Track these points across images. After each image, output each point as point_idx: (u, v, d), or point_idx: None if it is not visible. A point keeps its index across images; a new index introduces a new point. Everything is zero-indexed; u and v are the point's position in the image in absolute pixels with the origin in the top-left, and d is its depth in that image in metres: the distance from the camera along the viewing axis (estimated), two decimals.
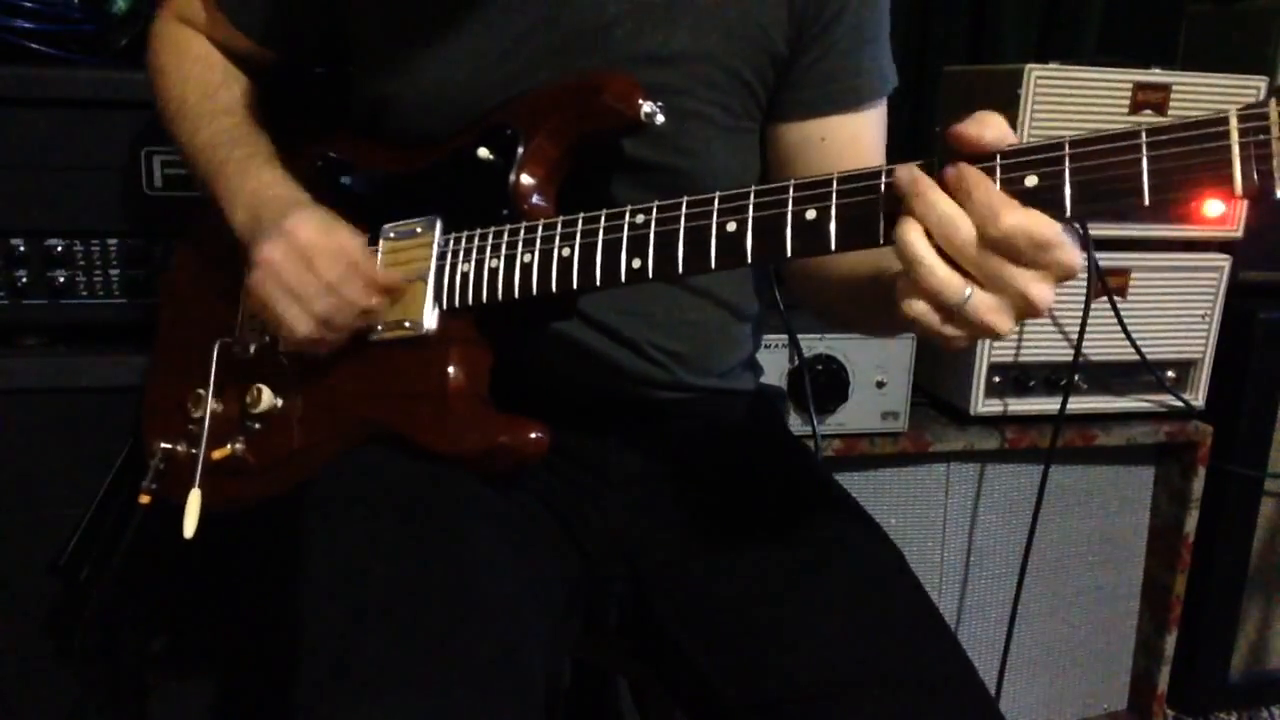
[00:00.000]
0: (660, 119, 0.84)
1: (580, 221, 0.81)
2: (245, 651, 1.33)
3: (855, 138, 0.96)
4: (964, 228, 0.63)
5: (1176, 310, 1.60)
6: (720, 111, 0.93)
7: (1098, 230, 1.54)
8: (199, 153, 0.99)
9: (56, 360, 1.24)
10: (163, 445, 1.02)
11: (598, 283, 0.80)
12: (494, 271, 0.85)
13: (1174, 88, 1.49)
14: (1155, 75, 1.49)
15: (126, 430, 1.21)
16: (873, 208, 0.68)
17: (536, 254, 0.83)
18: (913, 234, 0.64)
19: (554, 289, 0.82)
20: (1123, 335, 1.56)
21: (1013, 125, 1.46)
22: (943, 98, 1.69)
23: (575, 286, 0.82)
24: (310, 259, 0.86)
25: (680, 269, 0.76)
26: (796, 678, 0.83)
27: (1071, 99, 1.47)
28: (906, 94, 1.92)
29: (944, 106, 1.69)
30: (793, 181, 0.72)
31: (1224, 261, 1.59)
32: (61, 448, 1.24)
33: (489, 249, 0.86)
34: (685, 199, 0.76)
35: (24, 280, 1.22)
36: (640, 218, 0.78)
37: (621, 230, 0.79)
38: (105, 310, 1.26)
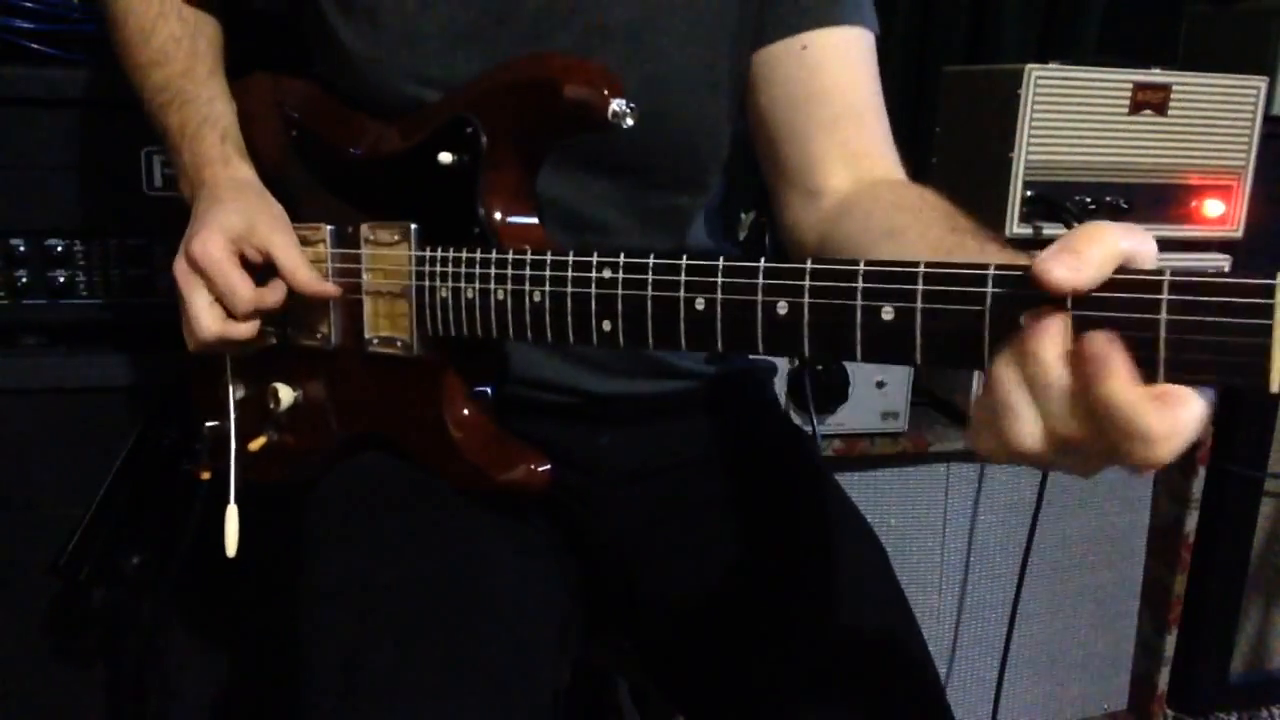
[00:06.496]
0: (630, 122, 0.78)
1: (549, 264, 0.76)
2: (247, 652, 1.33)
3: (837, 48, 0.90)
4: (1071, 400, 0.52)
5: None
6: (703, 48, 0.89)
7: None
8: (144, 107, 0.97)
9: (56, 360, 1.24)
10: (208, 425, 1.01)
11: (570, 340, 0.76)
12: (470, 303, 0.81)
13: (1174, 88, 1.49)
14: (1155, 75, 1.49)
15: (126, 430, 1.21)
16: (852, 313, 0.60)
17: (509, 293, 0.78)
18: (1013, 379, 0.54)
19: (529, 336, 0.78)
20: None
21: (1012, 125, 1.48)
22: (943, 98, 1.69)
23: (550, 339, 0.77)
24: (225, 266, 0.84)
25: (651, 343, 0.70)
26: (761, 681, 0.83)
27: (1071, 99, 1.47)
28: (906, 94, 1.92)
29: (944, 106, 1.69)
30: (763, 264, 0.64)
31: (1224, 262, 1.59)
32: (61, 448, 1.24)
33: (463, 276, 0.81)
34: (652, 260, 0.70)
35: (24, 280, 1.22)
36: (607, 273, 0.72)
37: (590, 284, 0.73)
38: (105, 310, 1.25)
